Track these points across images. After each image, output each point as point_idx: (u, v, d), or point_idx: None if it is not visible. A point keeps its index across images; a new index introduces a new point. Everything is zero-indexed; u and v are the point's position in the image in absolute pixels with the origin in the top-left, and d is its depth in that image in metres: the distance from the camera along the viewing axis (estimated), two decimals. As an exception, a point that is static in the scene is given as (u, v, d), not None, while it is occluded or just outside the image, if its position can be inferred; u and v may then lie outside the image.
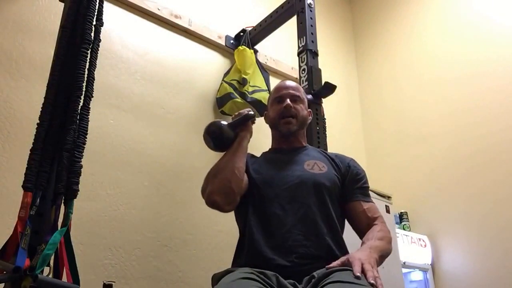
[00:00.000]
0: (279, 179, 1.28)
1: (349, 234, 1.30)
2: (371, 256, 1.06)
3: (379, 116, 3.09)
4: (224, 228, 1.97)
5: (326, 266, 1.06)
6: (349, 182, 1.32)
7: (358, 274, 0.96)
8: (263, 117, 1.52)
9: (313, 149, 1.46)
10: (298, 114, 1.38)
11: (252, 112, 1.34)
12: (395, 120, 2.96)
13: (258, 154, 1.44)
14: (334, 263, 1.06)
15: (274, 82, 2.29)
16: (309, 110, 1.47)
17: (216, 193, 1.21)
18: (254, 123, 1.37)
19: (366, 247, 1.12)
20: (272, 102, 1.43)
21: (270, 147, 1.48)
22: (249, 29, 2.35)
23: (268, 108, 1.47)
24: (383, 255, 1.16)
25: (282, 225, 1.19)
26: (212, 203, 1.23)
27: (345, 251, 1.24)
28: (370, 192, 1.36)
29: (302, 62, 1.84)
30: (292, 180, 1.26)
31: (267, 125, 1.47)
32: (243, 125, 1.33)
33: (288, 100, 1.37)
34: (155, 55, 2.09)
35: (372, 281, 0.95)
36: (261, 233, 1.20)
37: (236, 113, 1.37)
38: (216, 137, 1.30)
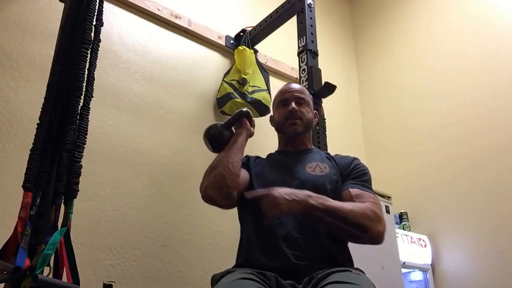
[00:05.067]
0: (280, 182, 1.26)
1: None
2: (293, 193, 1.11)
3: (379, 116, 3.09)
4: (224, 228, 1.97)
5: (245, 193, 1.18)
6: (345, 177, 1.31)
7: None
8: (263, 117, 1.52)
9: (318, 151, 1.45)
10: (304, 116, 1.39)
11: (245, 109, 1.36)
12: (396, 120, 2.96)
13: (257, 155, 1.44)
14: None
15: (274, 82, 2.30)
16: (314, 111, 1.47)
17: (210, 188, 1.22)
18: (252, 121, 1.38)
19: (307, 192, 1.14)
20: (277, 105, 1.44)
21: (270, 146, 1.48)
22: (249, 29, 2.35)
23: (273, 111, 1.48)
24: (337, 213, 1.12)
25: (282, 227, 1.19)
26: (207, 198, 1.23)
27: (347, 254, 1.24)
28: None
29: (302, 62, 1.84)
30: (293, 183, 1.26)
31: (267, 125, 1.47)
32: (238, 122, 1.35)
33: (293, 103, 1.38)
34: (155, 55, 2.09)
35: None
36: (260, 236, 1.21)
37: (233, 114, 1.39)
38: (213, 138, 1.32)
